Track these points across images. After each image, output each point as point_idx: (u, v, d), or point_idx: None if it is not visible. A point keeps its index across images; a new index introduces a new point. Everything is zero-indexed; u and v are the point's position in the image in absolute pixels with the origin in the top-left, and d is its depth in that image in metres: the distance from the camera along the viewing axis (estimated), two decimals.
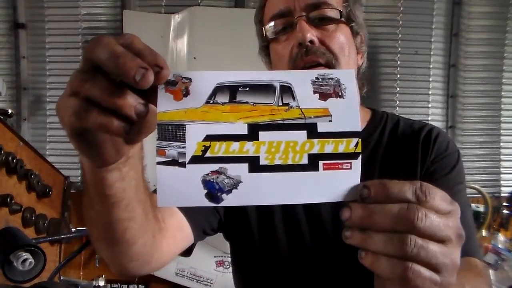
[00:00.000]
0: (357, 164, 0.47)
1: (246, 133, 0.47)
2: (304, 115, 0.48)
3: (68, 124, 0.47)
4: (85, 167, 0.53)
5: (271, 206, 0.68)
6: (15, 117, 2.30)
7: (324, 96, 0.48)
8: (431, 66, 2.61)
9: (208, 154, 0.47)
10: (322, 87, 0.48)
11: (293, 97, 0.48)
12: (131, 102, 0.42)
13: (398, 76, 2.60)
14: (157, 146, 0.47)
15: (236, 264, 0.92)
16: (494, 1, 2.60)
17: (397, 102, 2.60)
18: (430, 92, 2.62)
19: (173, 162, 0.47)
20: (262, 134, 0.47)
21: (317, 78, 0.48)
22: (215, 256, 2.22)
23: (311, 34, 0.73)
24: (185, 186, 0.46)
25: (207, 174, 0.47)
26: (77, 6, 2.49)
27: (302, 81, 0.48)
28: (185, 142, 0.46)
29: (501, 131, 2.65)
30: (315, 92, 0.48)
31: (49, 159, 2.24)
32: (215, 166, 0.47)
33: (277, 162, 0.47)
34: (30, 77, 2.51)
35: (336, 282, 0.75)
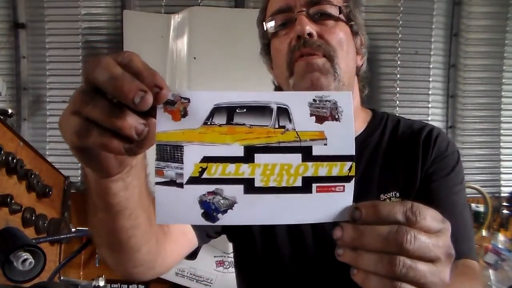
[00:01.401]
0: (350, 186, 0.49)
1: (242, 155, 0.48)
2: (299, 138, 0.49)
3: (70, 142, 0.47)
4: (88, 177, 0.53)
5: None
6: (15, 117, 2.30)
7: (320, 119, 0.49)
8: (431, 66, 2.61)
9: (205, 175, 0.49)
10: (319, 109, 0.49)
11: (290, 120, 0.49)
12: (131, 122, 0.42)
13: (398, 76, 2.60)
14: (156, 167, 0.49)
15: (239, 265, 0.93)
16: (494, 1, 2.60)
17: (397, 102, 2.60)
18: (430, 92, 2.62)
19: (171, 183, 0.48)
20: (258, 157, 0.49)
21: (314, 100, 0.49)
22: (215, 256, 2.22)
23: (310, 27, 0.73)
24: (183, 205, 0.49)
25: (204, 195, 0.49)
26: (77, 6, 2.49)
27: (299, 103, 0.49)
28: (182, 163, 0.48)
29: (501, 131, 2.65)
30: (311, 115, 0.49)
31: (49, 159, 2.23)
32: (211, 187, 0.49)
33: (272, 184, 0.49)
34: (30, 77, 2.51)
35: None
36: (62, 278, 2.20)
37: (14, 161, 1.70)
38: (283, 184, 0.49)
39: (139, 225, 0.59)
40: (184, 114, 0.48)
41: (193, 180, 0.48)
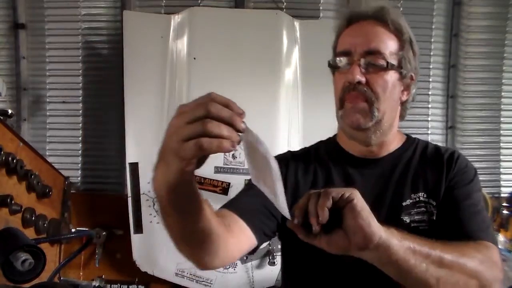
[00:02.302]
0: None
1: None
2: None
3: (196, 154, 0.59)
4: (174, 181, 0.64)
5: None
6: (15, 118, 2.30)
7: None
8: (431, 66, 2.61)
9: None
10: None
11: None
12: (235, 134, 0.60)
13: None
14: None
15: (285, 262, 1.06)
16: (494, 1, 2.60)
17: None
18: (430, 92, 2.62)
19: None
20: None
21: None
22: None
23: (360, 76, 0.91)
24: None
25: None
26: (77, 6, 2.49)
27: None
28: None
29: (501, 132, 2.64)
30: None
31: (49, 159, 2.23)
32: None
33: None
34: (30, 77, 2.51)
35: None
36: (62, 278, 2.20)
37: (14, 161, 1.70)
38: None
39: (207, 219, 0.74)
40: None
41: None
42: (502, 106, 2.64)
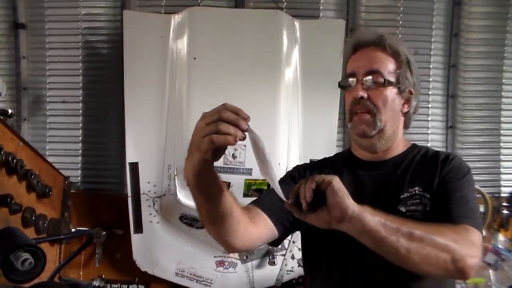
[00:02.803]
0: None
1: None
2: None
3: (209, 147, 0.80)
4: (197, 169, 0.86)
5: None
6: (15, 117, 2.30)
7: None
8: (431, 66, 2.61)
9: None
10: None
11: None
12: (240, 132, 0.80)
13: None
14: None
15: (304, 248, 1.23)
16: (494, 1, 2.60)
17: None
18: (430, 92, 2.62)
19: None
20: None
21: None
22: (215, 256, 2.22)
23: (362, 92, 1.09)
24: None
25: None
26: (77, 6, 2.49)
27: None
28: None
29: (501, 131, 2.64)
30: None
31: (49, 159, 2.23)
32: None
33: None
34: (30, 77, 2.51)
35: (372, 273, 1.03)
36: (62, 278, 2.20)
37: (14, 161, 1.70)
38: None
39: (230, 203, 0.95)
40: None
41: None
42: (502, 106, 2.64)
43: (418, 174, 1.08)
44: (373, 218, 0.88)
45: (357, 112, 1.11)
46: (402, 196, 1.05)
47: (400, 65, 1.14)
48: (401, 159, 1.14)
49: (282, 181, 1.12)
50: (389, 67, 1.12)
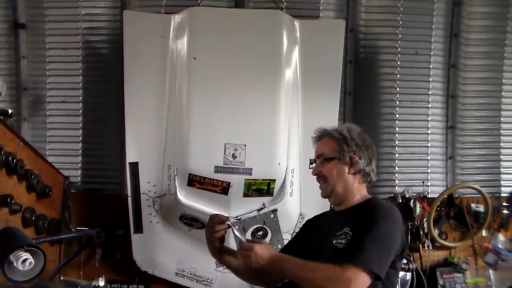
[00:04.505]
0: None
1: None
2: None
3: (208, 239, 1.46)
4: (213, 250, 1.49)
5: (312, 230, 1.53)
6: (15, 117, 2.30)
7: None
8: (431, 66, 2.61)
9: None
10: None
11: None
12: (224, 227, 1.44)
13: (398, 76, 2.60)
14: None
15: None
16: (494, 1, 2.60)
17: (397, 102, 2.60)
18: (430, 92, 2.62)
19: None
20: None
21: None
22: None
23: (316, 171, 1.48)
24: None
25: None
26: (77, 6, 2.50)
27: None
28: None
29: (501, 131, 2.65)
30: None
31: (49, 159, 2.24)
32: None
33: None
34: (30, 77, 2.51)
35: None
36: (62, 278, 2.20)
37: (14, 161, 1.70)
38: None
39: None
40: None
41: None
42: (502, 106, 2.64)
43: (353, 218, 1.36)
44: (279, 263, 1.30)
45: (320, 183, 1.47)
46: (337, 233, 1.36)
47: (337, 143, 1.46)
48: (352, 209, 1.43)
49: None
50: (329, 148, 1.47)
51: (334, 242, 1.35)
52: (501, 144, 2.65)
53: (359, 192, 1.47)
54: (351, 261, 1.22)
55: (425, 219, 2.48)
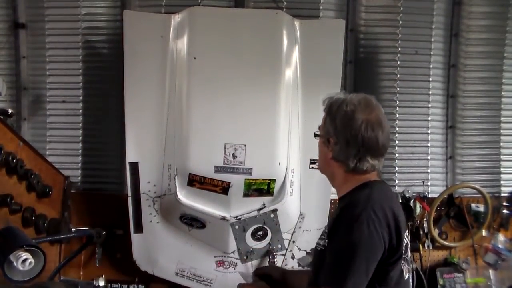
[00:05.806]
0: None
1: None
2: None
3: None
4: None
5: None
6: (15, 117, 2.30)
7: None
8: (431, 66, 2.61)
9: None
10: None
11: None
12: None
13: (398, 76, 2.60)
14: None
15: None
16: (494, 1, 2.60)
17: (397, 102, 2.60)
18: (430, 92, 2.62)
19: None
20: None
21: None
22: (215, 256, 2.22)
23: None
24: None
25: None
26: (77, 6, 2.49)
27: None
28: None
29: (501, 131, 2.65)
30: None
31: (49, 159, 2.24)
32: None
33: None
34: (30, 77, 2.51)
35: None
36: (62, 278, 2.20)
37: (14, 161, 1.71)
38: None
39: None
40: None
41: None
42: (502, 106, 2.64)
43: (333, 216, 1.27)
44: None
45: None
46: (323, 231, 1.30)
47: (324, 120, 1.32)
48: (340, 201, 1.30)
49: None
50: (323, 122, 1.33)
51: (317, 241, 1.30)
52: (501, 144, 2.65)
53: (345, 181, 1.27)
54: (329, 284, 1.13)
55: (425, 219, 2.49)
